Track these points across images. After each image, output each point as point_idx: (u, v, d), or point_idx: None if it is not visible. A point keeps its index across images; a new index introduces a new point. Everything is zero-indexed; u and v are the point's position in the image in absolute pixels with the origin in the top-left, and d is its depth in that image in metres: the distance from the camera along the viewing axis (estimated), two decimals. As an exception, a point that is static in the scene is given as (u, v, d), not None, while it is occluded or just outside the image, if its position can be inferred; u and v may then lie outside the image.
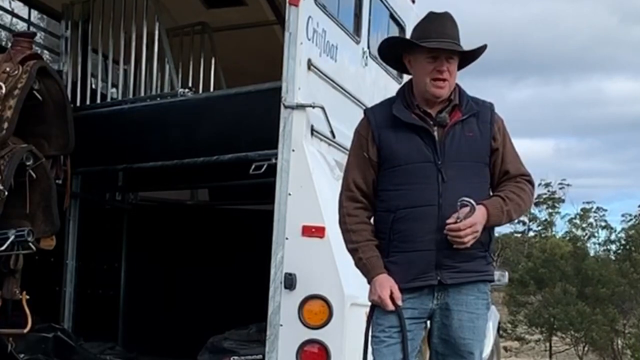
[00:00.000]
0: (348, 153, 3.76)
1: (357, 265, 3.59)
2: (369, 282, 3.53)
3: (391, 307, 3.45)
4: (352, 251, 3.59)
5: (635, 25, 53.91)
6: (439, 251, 3.44)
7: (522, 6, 55.70)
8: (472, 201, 3.37)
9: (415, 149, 3.49)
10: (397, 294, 3.45)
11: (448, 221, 3.38)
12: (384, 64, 5.04)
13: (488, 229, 3.50)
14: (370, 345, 3.56)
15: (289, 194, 4.66)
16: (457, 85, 3.61)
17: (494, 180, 3.59)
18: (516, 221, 29.00)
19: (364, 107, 4.09)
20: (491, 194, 3.58)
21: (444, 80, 3.49)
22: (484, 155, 3.55)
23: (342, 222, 3.63)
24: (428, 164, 3.47)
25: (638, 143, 51.13)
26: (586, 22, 54.21)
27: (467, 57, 3.60)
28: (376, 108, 3.72)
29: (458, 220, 3.36)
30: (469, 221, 3.36)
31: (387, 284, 3.46)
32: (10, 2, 7.81)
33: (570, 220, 28.30)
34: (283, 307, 4.58)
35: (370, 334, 3.58)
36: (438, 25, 3.52)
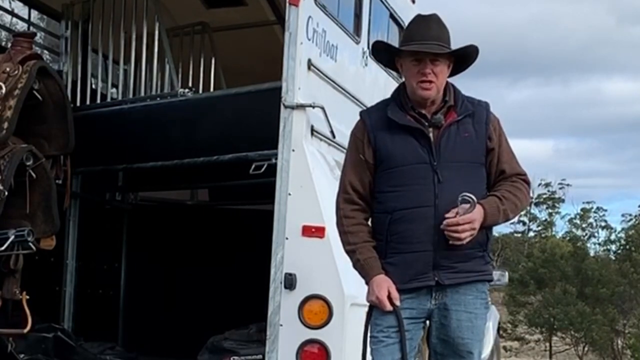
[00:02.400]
0: (344, 155, 3.77)
1: (355, 266, 3.59)
2: (367, 283, 3.53)
3: (389, 307, 3.45)
4: (350, 253, 3.59)
5: (633, 26, 53.89)
6: (436, 252, 3.45)
7: (521, 7, 55.70)
8: (473, 197, 3.37)
9: (411, 151, 3.50)
10: (395, 295, 3.46)
11: (447, 215, 3.38)
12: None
13: (486, 228, 3.51)
14: (369, 346, 3.57)
15: (289, 194, 4.66)
16: (452, 85, 3.61)
17: (490, 180, 3.59)
18: (516, 221, 29.05)
19: (364, 107, 4.09)
20: (487, 193, 3.59)
21: (430, 82, 3.48)
22: (480, 155, 3.56)
23: (339, 224, 3.63)
24: (424, 165, 3.48)
25: (637, 143, 51.27)
26: (585, 23, 54.25)
27: (462, 60, 3.60)
28: (371, 110, 3.74)
29: (457, 216, 3.36)
30: (467, 217, 3.37)
31: (384, 285, 3.46)
32: (10, 2, 7.81)
33: (570, 220, 28.39)
34: (283, 307, 4.58)
35: (368, 334, 3.59)
36: (422, 27, 3.53)
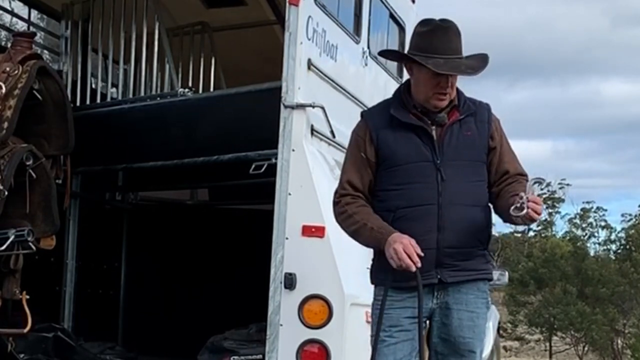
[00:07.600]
0: (345, 154, 3.76)
1: (368, 238, 3.49)
2: (383, 248, 3.40)
3: (414, 267, 3.33)
4: (360, 228, 3.48)
5: (628, 28, 53.85)
6: (439, 250, 3.45)
7: (519, 9, 55.67)
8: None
9: (414, 149, 3.50)
10: (415, 249, 3.34)
11: (522, 194, 3.28)
12: (384, 64, 5.02)
13: (487, 227, 3.55)
14: (370, 345, 3.56)
15: (289, 194, 4.66)
16: (454, 85, 3.61)
17: (490, 178, 3.59)
18: (516, 221, 28.85)
19: (364, 107, 4.08)
20: (488, 192, 3.58)
21: (446, 94, 3.49)
22: (482, 154, 3.57)
23: (339, 213, 3.57)
24: (427, 164, 3.48)
25: (635, 144, 51.34)
26: (581, 25, 54.23)
27: None
28: (373, 109, 3.75)
29: (528, 195, 3.28)
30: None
31: (404, 240, 3.34)
32: (10, 2, 7.80)
33: (570, 220, 28.32)
34: (283, 307, 4.58)
35: (374, 333, 3.56)
36: (444, 40, 3.46)
